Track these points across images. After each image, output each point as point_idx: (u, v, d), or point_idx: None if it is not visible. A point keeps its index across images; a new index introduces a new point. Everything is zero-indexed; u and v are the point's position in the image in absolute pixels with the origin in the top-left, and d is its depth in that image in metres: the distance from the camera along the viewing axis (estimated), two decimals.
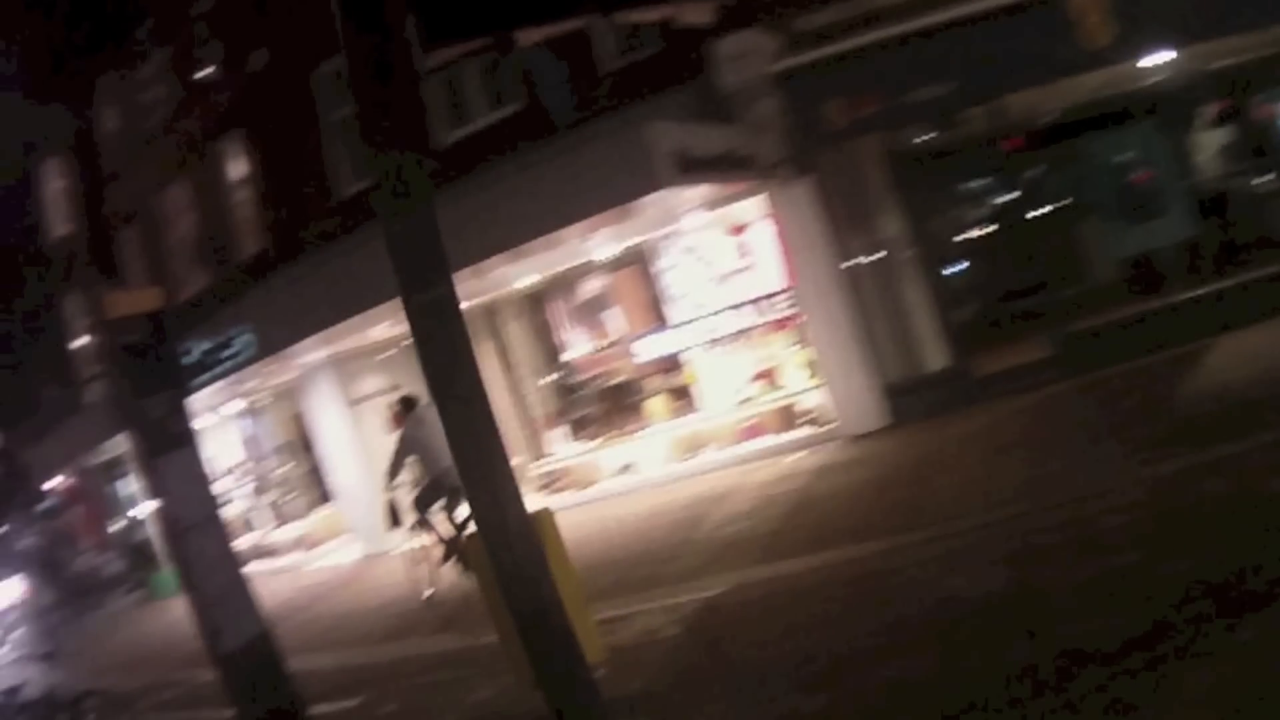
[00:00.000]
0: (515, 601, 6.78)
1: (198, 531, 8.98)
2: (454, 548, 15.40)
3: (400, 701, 11.38)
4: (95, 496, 36.15)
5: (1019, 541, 9.67)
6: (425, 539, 16.12)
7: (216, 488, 26.14)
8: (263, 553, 26.08)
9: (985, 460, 13.23)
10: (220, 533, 9.33)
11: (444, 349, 6.92)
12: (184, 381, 9.78)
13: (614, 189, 15.20)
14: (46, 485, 36.88)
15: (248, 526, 27.03)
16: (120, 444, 27.50)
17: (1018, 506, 10.64)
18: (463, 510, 14.88)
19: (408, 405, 16.18)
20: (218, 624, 8.87)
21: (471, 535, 7.43)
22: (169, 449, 9.02)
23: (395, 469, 16.05)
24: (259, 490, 26.97)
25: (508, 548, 6.68)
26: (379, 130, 6.94)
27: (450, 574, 15.53)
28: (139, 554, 29.96)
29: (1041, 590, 8.25)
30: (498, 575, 6.84)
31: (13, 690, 13.45)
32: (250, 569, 24.26)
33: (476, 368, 7.01)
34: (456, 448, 6.87)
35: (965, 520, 10.82)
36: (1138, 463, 10.74)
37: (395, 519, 16.55)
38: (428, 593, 15.80)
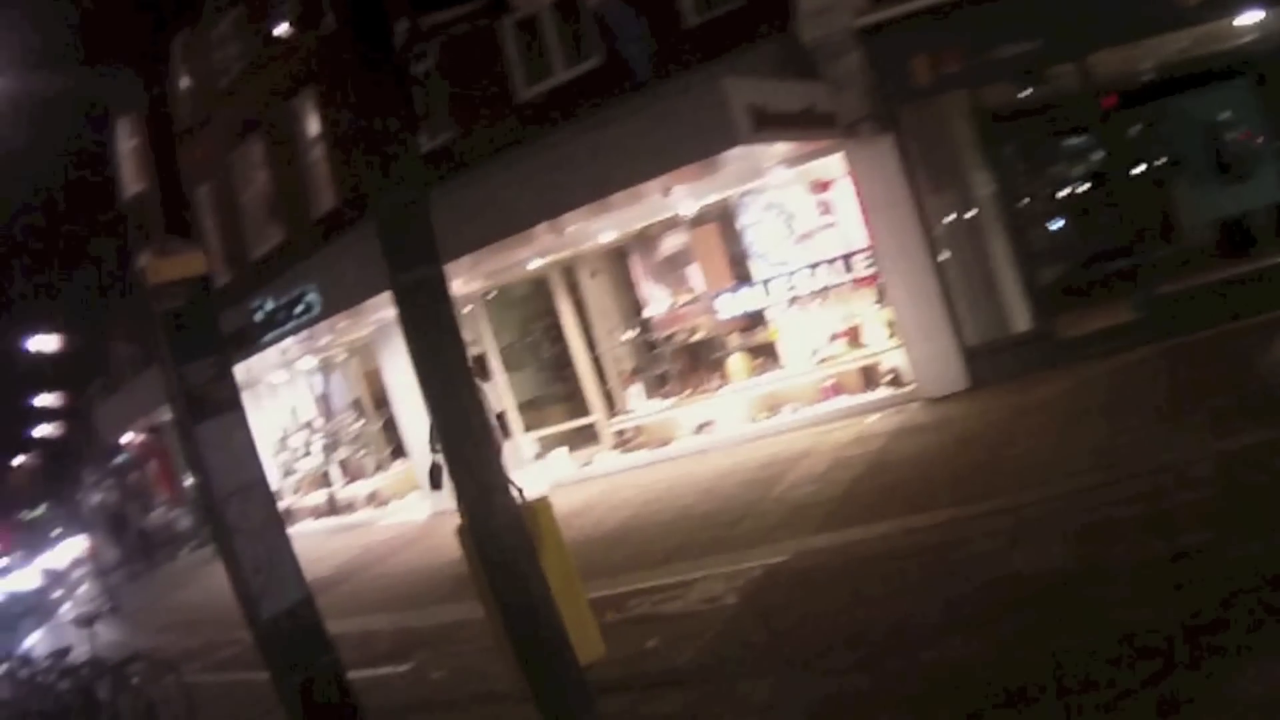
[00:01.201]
0: (501, 595, 6.60)
1: (240, 497, 8.91)
2: None
3: (451, 667, 11.40)
4: (168, 452, 36.60)
5: (1086, 516, 9.36)
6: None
7: (293, 441, 26.49)
8: (335, 509, 26.35)
9: (1061, 428, 12.90)
10: (265, 498, 9.24)
11: (429, 332, 6.69)
12: (227, 347, 9.67)
13: (691, 145, 14.98)
14: (121, 440, 37.33)
15: (323, 481, 27.26)
16: None
17: (1088, 479, 10.34)
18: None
19: None
20: (258, 591, 8.79)
21: (461, 523, 7.15)
22: (212, 415, 8.95)
23: (434, 435, 16.22)
24: (331, 446, 27.08)
25: (493, 538, 6.49)
26: (370, 102, 6.72)
27: None
28: None
29: (1104, 571, 7.97)
30: (484, 566, 6.66)
31: (61, 653, 13.51)
32: (322, 526, 24.73)
33: (464, 351, 6.79)
34: (443, 433, 6.69)
35: (1034, 491, 10.55)
36: (1214, 435, 10.38)
37: (436, 481, 16.81)
38: None
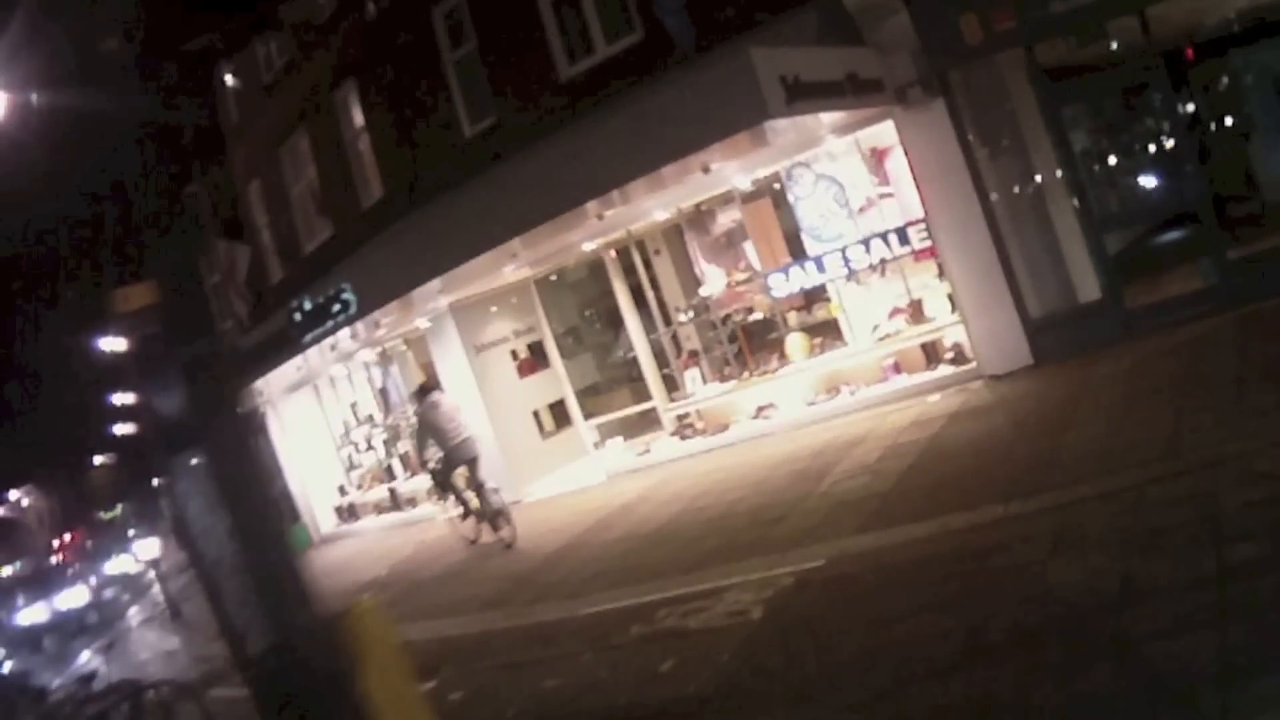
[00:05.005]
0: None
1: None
2: (469, 509, 18.11)
3: (472, 687, 10.89)
4: None
5: (1136, 519, 8.54)
6: (453, 504, 18.34)
7: (355, 435, 26.07)
8: (397, 504, 26.22)
9: (1120, 412, 12.03)
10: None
11: (213, 418, 5.87)
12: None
13: (724, 119, 14.42)
14: None
15: (386, 476, 26.90)
16: (257, 397, 27.65)
17: (1141, 472, 9.51)
18: (482, 475, 17.76)
19: (422, 391, 18.00)
20: (244, 626, 8.22)
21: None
22: (191, 444, 8.40)
23: (420, 447, 18.14)
24: (392, 440, 26.73)
25: (298, 663, 5.73)
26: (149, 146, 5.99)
27: (470, 529, 18.47)
28: None
29: (1144, 590, 7.16)
30: (292, 693, 5.91)
31: (87, 678, 13.33)
32: (385, 521, 24.58)
33: (247, 440, 5.93)
34: (237, 535, 5.89)
35: (1085, 486, 9.78)
36: None
37: (442, 488, 18.57)
38: (470, 539, 18.54)
